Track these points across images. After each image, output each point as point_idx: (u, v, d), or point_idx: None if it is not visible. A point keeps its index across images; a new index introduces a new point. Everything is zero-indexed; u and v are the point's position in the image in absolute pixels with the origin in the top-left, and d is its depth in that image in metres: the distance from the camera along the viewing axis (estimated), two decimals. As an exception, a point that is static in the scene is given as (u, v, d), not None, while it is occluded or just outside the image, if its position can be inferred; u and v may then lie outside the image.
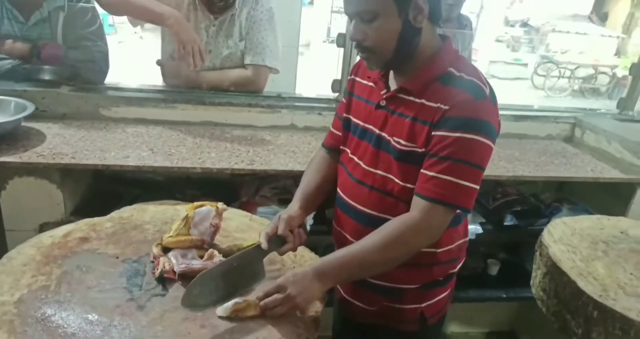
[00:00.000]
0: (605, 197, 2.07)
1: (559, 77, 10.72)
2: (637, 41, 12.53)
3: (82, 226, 1.31)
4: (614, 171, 1.98)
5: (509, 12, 13.04)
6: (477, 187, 1.10)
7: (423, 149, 1.11)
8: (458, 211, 1.14)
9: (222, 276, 1.08)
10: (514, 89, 10.27)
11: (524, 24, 13.14)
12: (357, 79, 1.31)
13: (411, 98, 1.14)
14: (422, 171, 1.11)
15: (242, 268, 1.12)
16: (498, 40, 12.69)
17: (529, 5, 12.93)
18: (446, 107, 1.07)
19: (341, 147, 1.33)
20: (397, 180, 1.17)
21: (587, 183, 2.00)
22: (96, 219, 1.35)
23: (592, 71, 10.71)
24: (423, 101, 1.12)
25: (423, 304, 1.29)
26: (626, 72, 2.79)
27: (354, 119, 1.28)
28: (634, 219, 1.74)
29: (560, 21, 13.03)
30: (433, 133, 1.09)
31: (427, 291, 1.29)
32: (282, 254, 1.19)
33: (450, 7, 2.74)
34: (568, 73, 10.71)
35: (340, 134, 1.35)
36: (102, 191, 1.87)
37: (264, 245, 1.15)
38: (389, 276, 1.23)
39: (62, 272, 1.12)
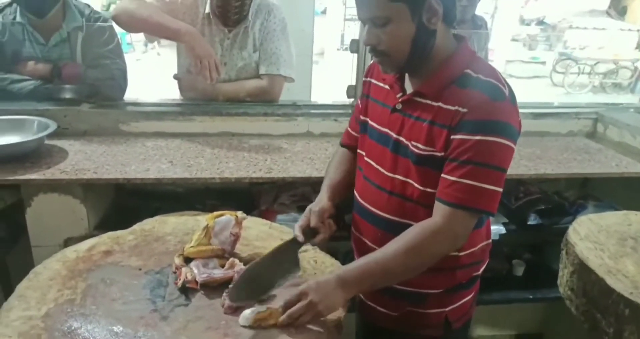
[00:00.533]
0: (631, 193, 2.01)
1: (578, 74, 10.54)
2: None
3: (106, 239, 1.34)
4: (639, 166, 1.93)
5: (524, 11, 12.91)
6: (500, 190, 1.08)
7: (442, 153, 1.10)
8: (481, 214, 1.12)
9: (264, 270, 1.12)
10: (532, 87, 10.12)
11: (540, 22, 12.99)
12: (373, 81, 1.30)
13: (428, 101, 1.13)
14: (443, 175, 1.09)
15: (279, 261, 1.15)
16: (514, 40, 12.55)
17: (544, 3, 12.78)
18: (464, 110, 1.06)
19: (360, 150, 1.32)
20: (416, 185, 1.15)
21: (612, 179, 1.95)
22: (119, 233, 1.37)
23: (612, 66, 10.50)
24: (440, 104, 1.10)
25: (447, 308, 1.27)
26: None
27: (370, 122, 1.27)
28: (663, 214, 1.69)
29: (577, 17, 12.83)
30: (452, 137, 1.07)
31: (451, 295, 1.27)
32: (314, 244, 1.22)
33: (464, 9, 2.73)
34: (588, 69, 10.52)
35: (355, 134, 1.36)
36: (123, 204, 1.90)
37: (300, 238, 1.18)
38: (412, 281, 1.21)
39: (87, 285, 1.14)
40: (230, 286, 1.11)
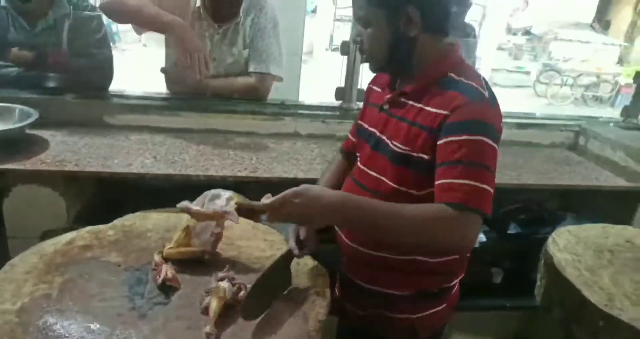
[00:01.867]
0: (610, 206, 2.05)
1: (561, 85, 10.73)
2: (640, 49, 12.55)
3: (85, 233, 1.31)
4: (618, 179, 1.97)
5: (512, 20, 13.08)
6: (492, 190, 1.04)
7: (419, 155, 1.11)
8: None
9: (266, 286, 1.09)
10: (516, 96, 10.27)
11: (526, 32, 13.19)
12: (374, 87, 1.34)
13: (411, 102, 1.16)
14: (436, 182, 1.06)
15: (277, 276, 1.14)
16: (500, 49, 12.71)
17: (531, 14, 12.97)
18: (445, 112, 1.07)
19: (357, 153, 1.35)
20: (388, 181, 1.17)
21: (592, 191, 1.99)
22: (99, 227, 1.34)
23: (594, 79, 10.72)
24: (422, 105, 1.13)
25: (414, 316, 1.27)
26: (628, 80, 2.79)
27: (363, 124, 1.31)
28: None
29: (563, 29, 13.05)
30: (438, 142, 1.07)
31: (419, 302, 1.27)
32: (300, 257, 1.20)
33: (453, 16, 2.74)
34: (570, 81, 10.72)
35: (353, 139, 1.40)
36: (104, 198, 1.87)
37: (296, 250, 1.17)
38: (379, 279, 1.24)
39: (64, 280, 1.11)
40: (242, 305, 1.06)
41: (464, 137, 1.04)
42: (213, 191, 1.12)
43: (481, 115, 1.06)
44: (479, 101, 1.07)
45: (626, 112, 2.48)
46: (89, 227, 1.34)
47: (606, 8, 14.27)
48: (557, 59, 11.86)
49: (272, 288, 1.12)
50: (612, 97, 10.60)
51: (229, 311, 1.03)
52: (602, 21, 14.25)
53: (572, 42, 12.64)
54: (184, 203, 1.06)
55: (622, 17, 13.87)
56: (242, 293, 1.08)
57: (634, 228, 1.72)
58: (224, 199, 1.08)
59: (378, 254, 1.22)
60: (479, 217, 1.01)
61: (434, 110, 1.09)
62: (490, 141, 1.05)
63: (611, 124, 2.45)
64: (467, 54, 2.72)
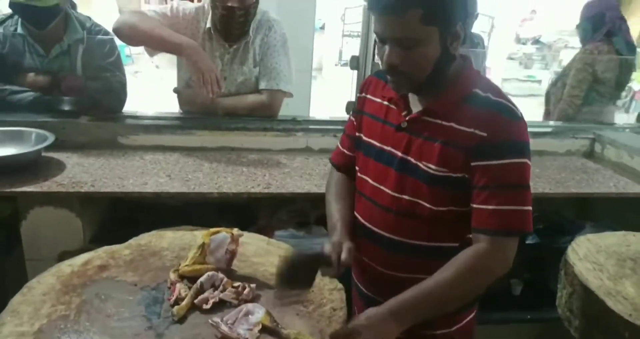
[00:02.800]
0: (629, 213, 2.01)
1: (574, 93, 10.65)
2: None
3: (101, 253, 1.32)
4: (637, 186, 1.93)
5: (521, 30, 13.05)
6: (531, 207, 1.09)
7: (458, 175, 1.09)
8: None
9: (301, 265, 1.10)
10: (528, 105, 10.19)
11: (536, 41, 13.13)
12: (369, 96, 1.27)
13: (438, 121, 1.11)
14: (477, 206, 1.07)
15: (304, 268, 1.13)
16: (510, 58, 12.66)
17: (540, 23, 12.95)
18: (483, 134, 1.05)
19: (356, 167, 1.30)
20: (427, 204, 1.13)
21: (611, 199, 1.96)
22: (115, 247, 1.35)
23: (607, 86, 10.63)
24: (452, 124, 1.09)
25: (453, 329, 1.25)
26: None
27: (366, 139, 1.25)
28: (661, 235, 1.69)
29: (572, 37, 12.99)
30: (476, 163, 1.06)
31: (456, 315, 1.25)
32: (324, 275, 1.15)
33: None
34: (583, 88, 10.64)
35: (350, 154, 1.33)
36: (120, 218, 1.88)
37: (334, 269, 1.13)
38: None
39: (82, 301, 1.12)
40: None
41: (506, 161, 1.05)
42: (249, 307, 1.11)
43: (518, 135, 1.07)
44: (516, 120, 1.07)
45: (642, 117, 2.45)
46: (105, 247, 1.35)
47: (616, 14, 14.27)
48: (568, 67, 11.80)
49: (304, 275, 1.11)
50: (626, 103, 10.45)
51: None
52: (612, 28, 14.20)
53: (583, 49, 12.59)
54: (216, 320, 1.05)
55: (633, 23, 13.81)
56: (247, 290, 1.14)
57: (656, 235, 1.68)
58: (253, 320, 1.06)
59: (405, 275, 1.19)
60: (517, 238, 1.08)
61: (468, 129, 1.07)
62: (528, 160, 1.07)
63: (627, 130, 2.42)
64: (476, 64, 2.72)
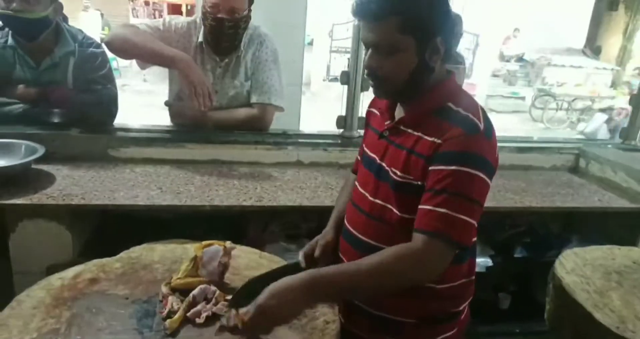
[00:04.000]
0: (614, 227, 2.05)
1: (556, 110, 10.82)
2: (631, 73, 12.74)
3: (92, 267, 1.31)
4: (621, 201, 1.98)
5: (504, 47, 13.33)
6: (474, 222, 1.09)
7: (419, 182, 1.12)
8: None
9: (262, 286, 1.08)
10: (512, 122, 10.36)
11: (519, 59, 13.41)
12: (373, 110, 1.36)
13: (409, 130, 1.17)
14: (420, 206, 1.10)
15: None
16: (495, 75, 12.90)
17: (523, 41, 13.24)
18: (439, 141, 1.09)
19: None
20: (395, 210, 1.18)
21: (596, 213, 2.00)
22: (105, 260, 1.34)
23: (589, 103, 10.83)
24: (420, 134, 1.14)
25: None
26: (622, 104, 2.84)
27: (365, 148, 1.33)
28: (646, 249, 1.72)
29: (555, 55, 13.28)
30: (430, 168, 1.10)
31: (427, 329, 1.26)
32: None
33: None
34: (565, 105, 10.82)
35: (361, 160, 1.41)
36: (110, 231, 1.86)
37: (303, 264, 1.22)
38: (385, 305, 1.23)
39: (72, 314, 1.11)
40: (231, 297, 1.14)
41: (452, 167, 1.07)
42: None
43: (474, 147, 1.08)
44: (474, 133, 1.09)
45: (624, 133, 2.51)
46: (96, 261, 1.34)
47: (596, 34, 14.57)
48: (551, 84, 11.98)
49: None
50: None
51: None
52: (593, 46, 14.51)
53: (565, 67, 12.82)
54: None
55: (612, 42, 14.14)
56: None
57: (640, 249, 1.72)
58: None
59: None
60: (449, 246, 1.07)
61: (430, 139, 1.11)
62: (481, 174, 1.07)
63: (609, 146, 2.47)
64: (458, 81, 2.80)
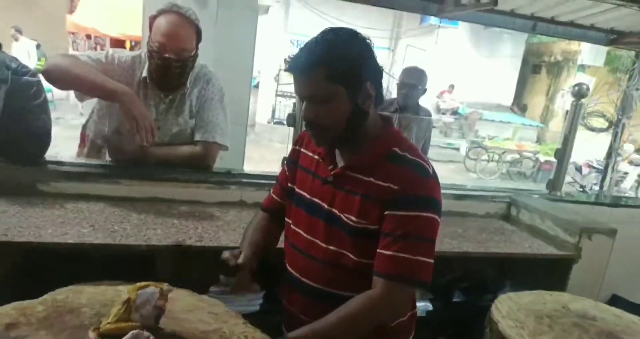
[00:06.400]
0: (544, 273, 2.15)
1: (488, 161, 11.46)
2: (554, 129, 13.83)
3: (10, 310, 1.19)
4: (549, 247, 2.08)
5: (440, 101, 14.14)
6: (432, 261, 1.14)
7: (376, 226, 1.14)
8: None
9: None
10: (448, 170, 10.83)
11: (454, 113, 14.23)
12: (302, 150, 1.35)
13: (359, 176, 1.19)
14: (379, 250, 1.13)
15: None
16: (432, 127, 13.56)
17: (457, 96, 14.13)
18: (396, 187, 1.13)
19: (286, 219, 1.34)
20: (351, 255, 1.18)
21: (527, 259, 2.08)
22: (26, 302, 1.23)
23: (517, 156, 11.56)
24: (371, 178, 1.17)
25: None
26: (547, 157, 3.05)
27: (298, 190, 1.31)
28: (572, 294, 1.81)
29: (487, 111, 14.21)
30: (387, 212, 1.13)
31: None
32: (227, 285, 1.23)
33: (405, 97, 2.98)
34: (496, 157, 11.50)
35: (279, 200, 1.39)
36: (33, 271, 1.72)
37: (232, 262, 1.23)
38: None
39: (-18, 363, 1.00)
40: None
41: (414, 213, 1.12)
42: None
43: (428, 190, 1.14)
44: (428, 177, 1.15)
45: (550, 185, 2.68)
46: (15, 303, 1.22)
47: (522, 93, 15.81)
48: (483, 137, 12.77)
49: None
50: (534, 173, 11.41)
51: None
52: (520, 104, 15.69)
53: (495, 122, 13.77)
54: None
55: (537, 102, 15.37)
56: None
57: (568, 294, 1.80)
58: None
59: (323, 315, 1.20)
60: (412, 286, 1.15)
61: (384, 184, 1.14)
62: (434, 215, 1.14)
63: (536, 196, 2.62)
64: (418, 136, 2.99)
